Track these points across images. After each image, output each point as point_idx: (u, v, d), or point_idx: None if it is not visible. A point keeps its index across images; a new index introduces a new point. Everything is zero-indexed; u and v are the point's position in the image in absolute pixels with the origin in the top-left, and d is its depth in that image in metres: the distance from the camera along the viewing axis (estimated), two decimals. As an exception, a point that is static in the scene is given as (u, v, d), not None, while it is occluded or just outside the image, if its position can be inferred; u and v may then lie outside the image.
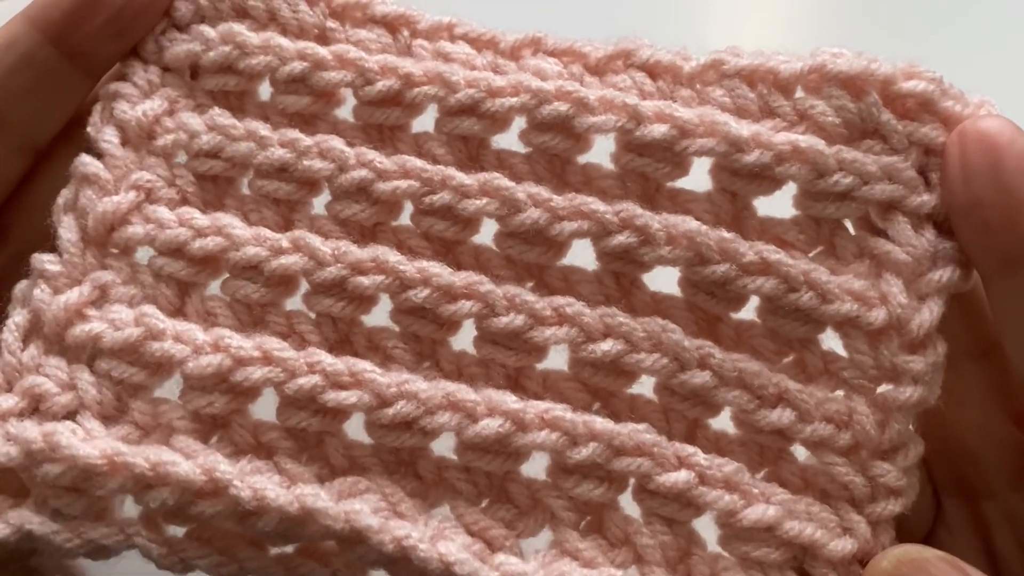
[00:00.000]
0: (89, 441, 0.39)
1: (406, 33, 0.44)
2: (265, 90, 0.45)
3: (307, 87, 0.43)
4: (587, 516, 0.41)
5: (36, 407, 0.41)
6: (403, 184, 0.42)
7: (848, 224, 0.41)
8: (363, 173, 0.42)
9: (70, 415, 0.41)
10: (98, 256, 0.43)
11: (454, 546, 0.38)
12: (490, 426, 0.39)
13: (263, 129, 0.43)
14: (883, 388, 0.40)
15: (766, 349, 0.41)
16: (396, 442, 0.40)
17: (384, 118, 0.43)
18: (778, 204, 0.42)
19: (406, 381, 0.40)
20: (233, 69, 0.44)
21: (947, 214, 0.40)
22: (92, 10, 0.42)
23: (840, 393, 0.40)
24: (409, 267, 0.41)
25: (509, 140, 0.44)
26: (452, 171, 0.42)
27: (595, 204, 0.41)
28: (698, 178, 0.43)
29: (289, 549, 0.41)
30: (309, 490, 0.38)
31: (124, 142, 0.43)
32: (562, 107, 0.41)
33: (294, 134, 0.43)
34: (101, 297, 0.42)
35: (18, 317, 0.42)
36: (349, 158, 0.42)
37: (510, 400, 0.40)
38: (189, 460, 0.39)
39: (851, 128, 0.41)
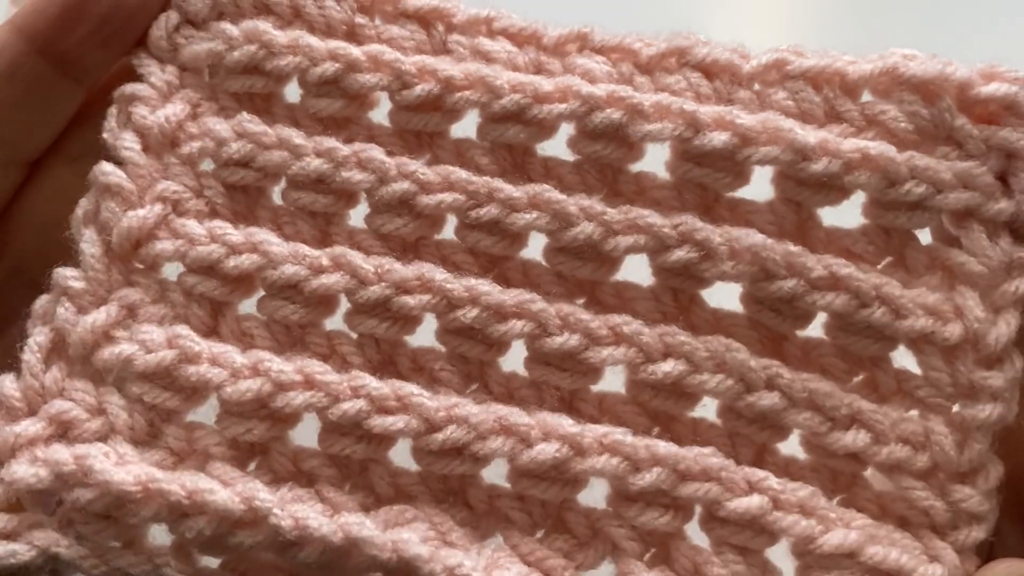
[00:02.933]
0: (123, 466, 0.37)
1: (441, 28, 0.42)
2: (292, 90, 0.43)
3: (340, 90, 0.41)
4: (652, 547, 0.39)
5: (64, 433, 0.39)
6: (448, 198, 0.40)
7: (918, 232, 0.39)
8: (405, 186, 0.40)
9: (100, 440, 0.39)
10: (124, 272, 0.40)
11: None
12: (546, 451, 0.37)
13: (297, 137, 0.40)
14: (960, 407, 0.38)
15: (836, 368, 0.39)
16: (446, 469, 0.38)
17: (423, 124, 0.41)
18: (839, 213, 0.40)
19: (455, 405, 0.38)
20: (259, 70, 0.41)
21: None
22: (78, 17, 0.40)
23: (915, 413, 0.38)
24: (457, 285, 0.39)
25: (554, 146, 0.41)
26: (499, 183, 0.40)
27: (652, 217, 0.39)
28: (758, 187, 0.40)
29: None
30: (354, 519, 0.36)
31: (145, 148, 0.41)
32: (615, 114, 0.39)
33: (331, 143, 0.40)
34: (129, 316, 0.40)
35: (40, 337, 0.39)
36: (390, 169, 0.40)
37: (567, 424, 0.38)
38: (227, 488, 0.37)
39: (924, 134, 0.39)
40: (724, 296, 0.40)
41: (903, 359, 0.39)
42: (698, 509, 0.38)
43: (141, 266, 0.40)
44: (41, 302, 0.40)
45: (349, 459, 0.39)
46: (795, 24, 0.75)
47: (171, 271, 0.41)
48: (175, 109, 0.41)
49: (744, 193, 0.41)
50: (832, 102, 0.40)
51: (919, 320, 0.37)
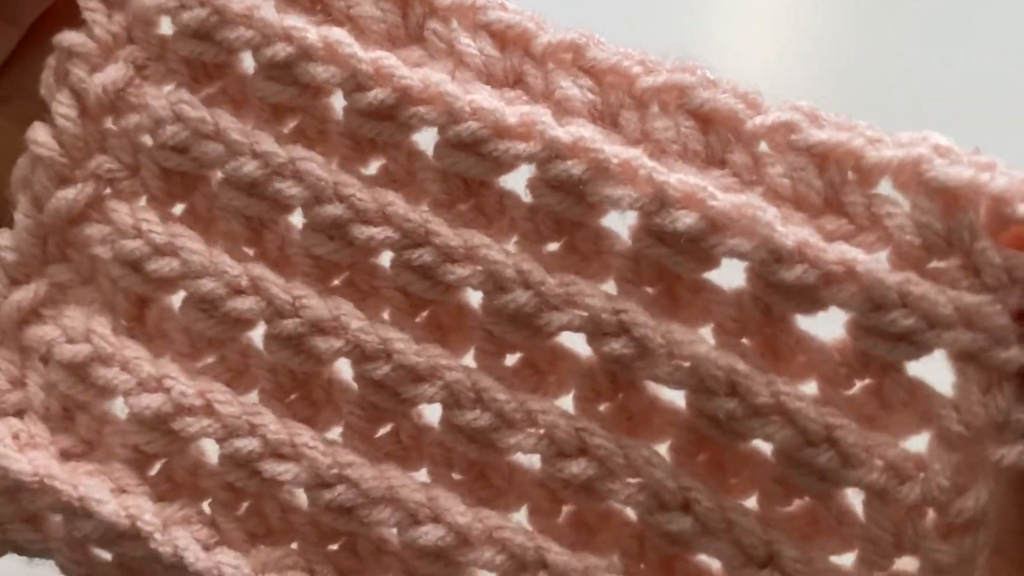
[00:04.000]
0: (29, 450, 0.37)
1: (419, 11, 0.37)
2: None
3: (291, 77, 0.37)
4: None
5: None
6: (380, 234, 0.36)
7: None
8: (339, 210, 0.36)
9: (19, 413, 0.39)
10: (58, 245, 0.39)
11: None
12: (431, 535, 0.35)
13: (235, 132, 0.37)
14: (901, 563, 0.33)
15: (775, 493, 0.35)
16: (335, 523, 0.37)
17: (375, 133, 0.37)
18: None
19: (349, 464, 0.36)
20: (210, 38, 0.37)
21: None
22: None
23: (850, 563, 0.34)
24: (372, 337, 0.36)
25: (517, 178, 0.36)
26: (437, 225, 0.36)
27: (592, 298, 0.34)
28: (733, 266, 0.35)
29: None
30: (229, 560, 0.36)
31: (83, 112, 0.38)
32: (576, 168, 0.34)
33: (268, 145, 0.37)
34: (59, 295, 0.39)
35: None
36: (326, 188, 0.36)
37: (456, 510, 0.35)
38: (116, 499, 0.37)
39: (933, 249, 0.32)
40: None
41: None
42: None
43: (74, 243, 0.39)
44: None
45: (244, 490, 0.38)
46: (795, 23, 0.71)
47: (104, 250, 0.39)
48: (116, 74, 0.38)
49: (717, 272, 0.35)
50: (837, 188, 0.33)
51: (871, 474, 0.32)
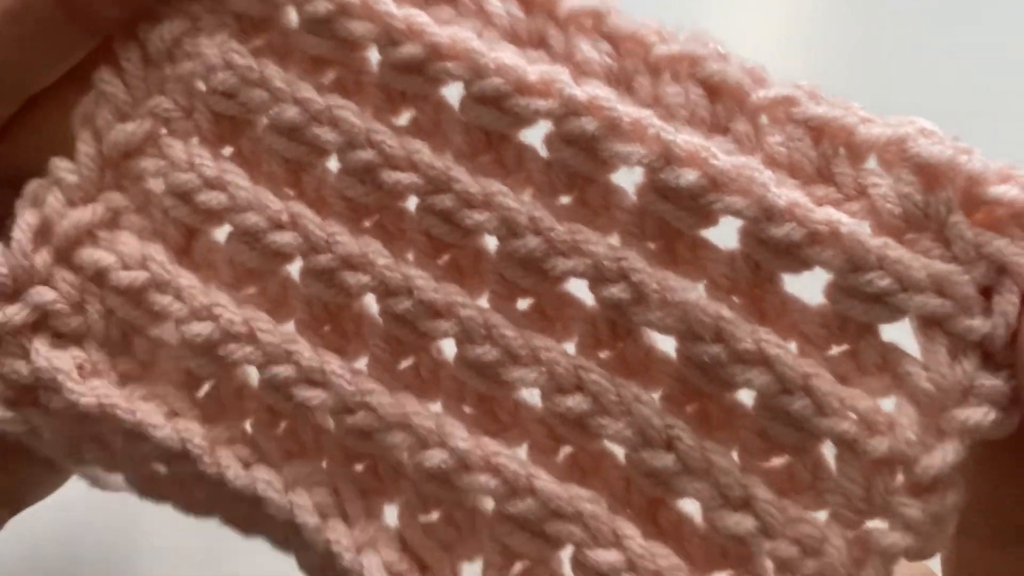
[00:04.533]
0: (89, 382, 0.41)
1: None
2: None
3: (330, 31, 0.40)
4: (517, 563, 0.39)
5: (45, 322, 0.42)
6: (406, 179, 0.39)
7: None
8: (370, 155, 0.39)
9: (79, 337, 0.42)
10: (114, 177, 0.42)
11: (377, 561, 0.38)
12: (434, 458, 0.38)
13: (278, 79, 0.40)
14: (872, 524, 0.35)
15: (754, 445, 0.37)
16: (356, 446, 0.40)
17: (405, 86, 0.40)
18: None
19: (370, 391, 0.39)
20: None
21: (1009, 350, 0.33)
22: None
23: (822, 515, 0.36)
24: (395, 274, 0.39)
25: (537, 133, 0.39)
26: (459, 173, 0.39)
27: (597, 246, 0.37)
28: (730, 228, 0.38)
29: None
30: (264, 476, 0.39)
31: (145, 60, 0.42)
32: (589, 125, 0.37)
33: (308, 92, 0.40)
34: (113, 221, 0.42)
35: (31, 217, 0.41)
36: (359, 134, 0.40)
37: (460, 435, 0.38)
38: (171, 422, 0.40)
39: (911, 221, 0.34)
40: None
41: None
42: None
43: (129, 175, 0.42)
44: (32, 186, 0.42)
45: (281, 412, 0.41)
46: (793, 22, 0.72)
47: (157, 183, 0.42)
48: (172, 26, 0.42)
49: (715, 233, 0.38)
50: (828, 160, 0.36)
51: (842, 423, 0.35)
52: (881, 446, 0.34)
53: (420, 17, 0.39)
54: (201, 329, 0.40)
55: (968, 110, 0.56)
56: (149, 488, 0.43)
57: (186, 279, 0.41)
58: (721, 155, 0.36)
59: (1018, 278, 0.33)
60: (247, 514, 0.41)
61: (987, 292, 0.34)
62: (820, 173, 0.36)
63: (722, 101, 0.37)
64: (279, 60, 0.41)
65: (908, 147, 0.34)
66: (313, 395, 0.39)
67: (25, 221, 0.41)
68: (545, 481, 0.37)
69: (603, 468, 0.39)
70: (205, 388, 0.42)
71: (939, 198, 0.34)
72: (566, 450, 0.40)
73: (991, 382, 0.33)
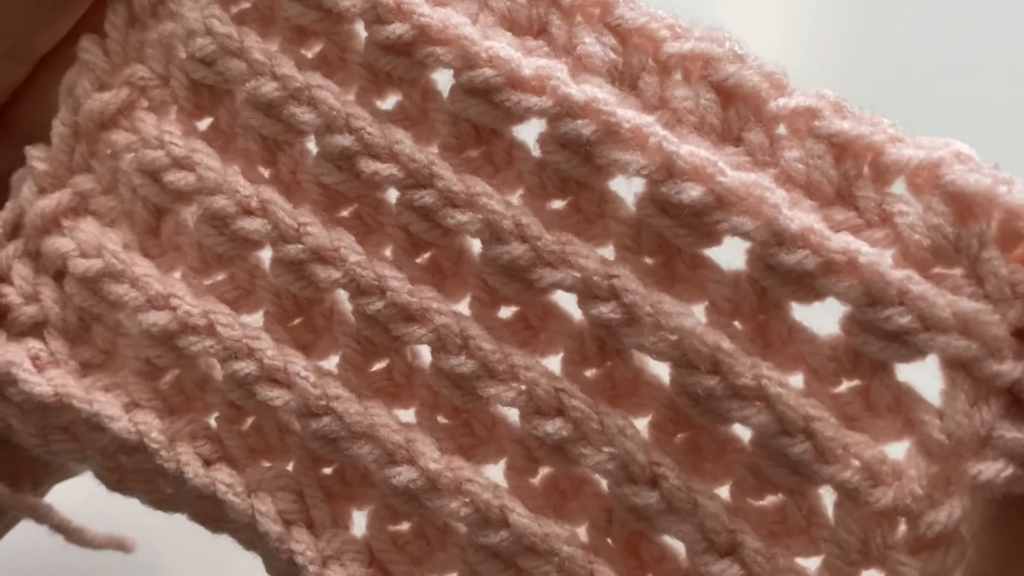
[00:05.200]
0: (46, 372, 0.39)
1: None
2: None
3: (315, 1, 0.37)
4: None
5: (4, 314, 0.40)
6: (386, 170, 0.36)
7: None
8: (348, 141, 0.36)
9: (38, 327, 0.40)
10: (86, 154, 0.40)
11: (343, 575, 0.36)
12: (403, 476, 0.35)
13: (257, 51, 0.37)
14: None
15: (746, 483, 0.34)
16: (321, 451, 0.37)
17: (391, 67, 0.37)
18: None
19: (337, 398, 0.36)
20: None
21: None
22: None
23: (814, 565, 0.33)
24: (368, 271, 0.36)
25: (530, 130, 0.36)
26: (442, 169, 0.35)
27: (587, 259, 0.34)
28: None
29: None
30: (225, 478, 0.37)
31: (131, 21, 0.40)
32: (586, 129, 0.33)
33: (287, 68, 0.37)
34: (81, 204, 0.40)
35: (6, 212, 0.40)
36: (337, 118, 0.36)
37: (430, 456, 0.35)
38: (128, 414, 0.38)
39: (939, 254, 0.31)
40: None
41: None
42: None
43: (100, 151, 0.40)
44: (18, 174, 0.41)
45: (245, 409, 0.39)
46: (792, 22, 0.70)
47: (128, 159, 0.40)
48: None
49: (719, 250, 0.34)
50: (851, 181, 0.32)
51: (844, 472, 0.32)
52: (884, 498, 0.31)
53: None
54: (158, 319, 0.38)
55: (967, 111, 0.55)
56: (116, 481, 0.40)
57: (141, 267, 0.39)
58: (729, 171, 0.32)
59: None
60: (211, 512, 0.39)
61: (1021, 333, 0.30)
62: (840, 195, 0.32)
63: (736, 107, 0.34)
64: (262, 28, 0.38)
65: (942, 173, 0.30)
66: (276, 395, 0.37)
67: (1, 216, 0.40)
68: (519, 515, 0.35)
69: (584, 494, 0.36)
70: (168, 378, 0.40)
71: (972, 231, 0.30)
72: (545, 471, 0.37)
73: (1012, 435, 0.30)
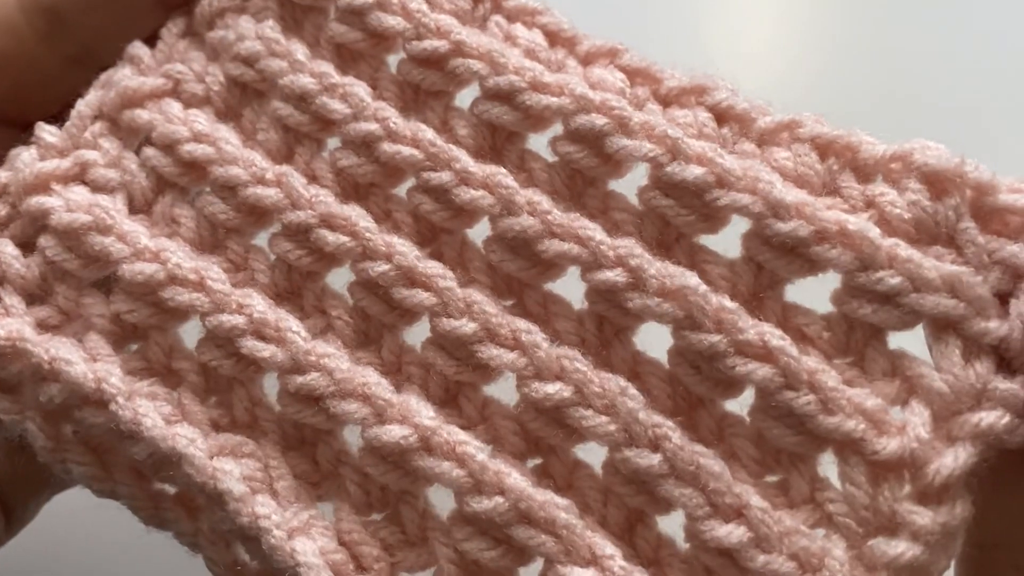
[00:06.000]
0: (2, 318, 0.37)
1: (487, 5, 0.41)
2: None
3: (362, 23, 0.40)
4: None
5: None
6: (406, 152, 0.38)
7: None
8: (372, 127, 0.39)
9: None
10: (97, 133, 0.41)
11: (311, 547, 0.33)
12: (393, 433, 0.34)
13: (300, 54, 0.40)
14: (875, 541, 0.31)
15: (746, 455, 0.34)
16: (298, 415, 0.36)
17: (422, 79, 0.40)
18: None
19: (327, 355, 0.35)
20: None
21: (1022, 358, 0.32)
22: None
23: (820, 532, 0.32)
24: (377, 237, 0.37)
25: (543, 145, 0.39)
26: (462, 154, 0.38)
27: (594, 231, 0.36)
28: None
29: (171, 491, 0.37)
30: (187, 433, 0.35)
31: (185, 33, 0.42)
32: (599, 120, 0.37)
33: (326, 67, 0.40)
34: (79, 175, 0.40)
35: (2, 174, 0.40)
36: (366, 108, 0.39)
37: (426, 413, 0.34)
38: (86, 363, 0.36)
39: (922, 229, 0.34)
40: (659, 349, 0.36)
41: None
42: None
43: (117, 129, 0.41)
44: (15, 150, 0.41)
45: (218, 373, 0.37)
46: (790, 21, 0.70)
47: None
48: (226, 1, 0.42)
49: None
50: (835, 175, 0.36)
51: (848, 421, 0.32)
52: (890, 445, 0.31)
53: (449, 20, 0.40)
54: (144, 268, 0.37)
55: (966, 112, 0.56)
56: (51, 449, 0.37)
57: (131, 226, 0.39)
58: (727, 155, 0.36)
59: None
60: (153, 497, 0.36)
61: (1002, 298, 0.33)
62: (826, 187, 0.36)
63: (729, 125, 0.38)
64: (307, 48, 0.42)
65: (914, 158, 0.34)
66: (262, 347, 0.36)
67: None
68: (517, 479, 0.33)
69: (577, 479, 0.35)
70: (132, 346, 0.38)
71: (948, 205, 0.33)
72: (535, 462, 0.36)
73: (1006, 386, 0.31)
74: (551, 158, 0.38)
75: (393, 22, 0.40)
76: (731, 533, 0.32)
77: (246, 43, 0.41)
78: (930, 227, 0.34)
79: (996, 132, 0.54)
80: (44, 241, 0.39)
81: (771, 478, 0.34)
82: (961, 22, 0.65)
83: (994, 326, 0.32)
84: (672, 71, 0.39)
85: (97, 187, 0.40)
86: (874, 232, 0.33)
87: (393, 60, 0.41)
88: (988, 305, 0.32)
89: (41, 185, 0.40)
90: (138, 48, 0.42)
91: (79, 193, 0.39)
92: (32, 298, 0.39)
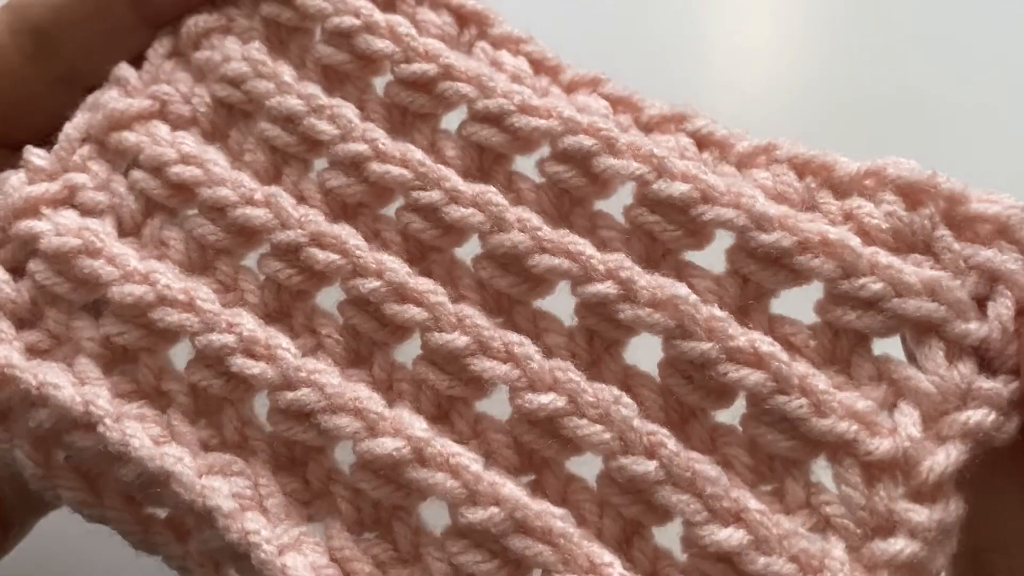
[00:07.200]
0: None
1: (473, 32, 0.42)
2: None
3: (349, 45, 0.41)
4: None
5: None
6: (395, 171, 0.39)
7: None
8: (361, 148, 0.39)
9: None
10: (86, 156, 0.41)
11: (303, 561, 0.32)
12: (386, 445, 0.34)
13: (287, 75, 0.41)
14: (874, 544, 0.32)
15: (739, 463, 0.34)
16: (289, 432, 0.35)
17: (410, 102, 0.40)
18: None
19: (319, 371, 0.35)
20: (290, 3, 0.42)
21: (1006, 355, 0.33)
22: None
23: (818, 536, 0.32)
24: (367, 255, 0.37)
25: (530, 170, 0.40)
26: (451, 173, 0.38)
27: (584, 246, 0.36)
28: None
29: (161, 514, 0.37)
30: (174, 452, 0.35)
31: (171, 53, 0.43)
32: (586, 141, 0.38)
33: (313, 89, 0.41)
34: (68, 198, 0.40)
35: None
36: (354, 129, 0.39)
37: (418, 426, 0.34)
38: (74, 387, 0.36)
39: (899, 238, 0.35)
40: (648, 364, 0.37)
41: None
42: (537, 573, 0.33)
43: (106, 152, 0.41)
44: (3, 174, 0.41)
45: (207, 393, 0.37)
46: (788, 21, 0.70)
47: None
48: (209, 19, 0.43)
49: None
50: (812, 192, 0.37)
51: (841, 423, 0.32)
52: (883, 445, 0.32)
53: (438, 44, 0.41)
54: (134, 290, 0.37)
55: (966, 111, 0.55)
56: (40, 476, 0.37)
57: (120, 249, 0.38)
58: (712, 175, 0.37)
59: (1012, 284, 0.33)
60: (143, 520, 0.35)
61: (980, 301, 0.34)
62: (805, 203, 0.37)
63: (709, 150, 0.39)
64: (296, 65, 0.42)
65: (887, 172, 0.36)
66: (252, 365, 0.35)
67: None
68: (512, 489, 0.33)
69: (571, 493, 0.35)
70: (122, 368, 0.38)
71: (923, 214, 0.35)
72: (528, 478, 0.36)
73: (990, 385, 0.32)
74: (538, 180, 0.39)
75: (382, 45, 0.41)
76: (731, 536, 0.32)
77: (232, 64, 0.41)
78: (907, 236, 0.35)
79: (996, 130, 0.55)
80: (34, 265, 0.38)
81: (765, 487, 0.34)
82: (961, 20, 0.66)
83: (975, 327, 0.33)
84: (651, 101, 0.41)
85: (86, 210, 0.40)
86: (855, 241, 0.34)
87: (379, 82, 0.42)
88: (967, 308, 0.33)
89: (30, 209, 0.39)
90: (124, 69, 0.42)
91: (68, 217, 0.39)
92: (22, 322, 0.38)
